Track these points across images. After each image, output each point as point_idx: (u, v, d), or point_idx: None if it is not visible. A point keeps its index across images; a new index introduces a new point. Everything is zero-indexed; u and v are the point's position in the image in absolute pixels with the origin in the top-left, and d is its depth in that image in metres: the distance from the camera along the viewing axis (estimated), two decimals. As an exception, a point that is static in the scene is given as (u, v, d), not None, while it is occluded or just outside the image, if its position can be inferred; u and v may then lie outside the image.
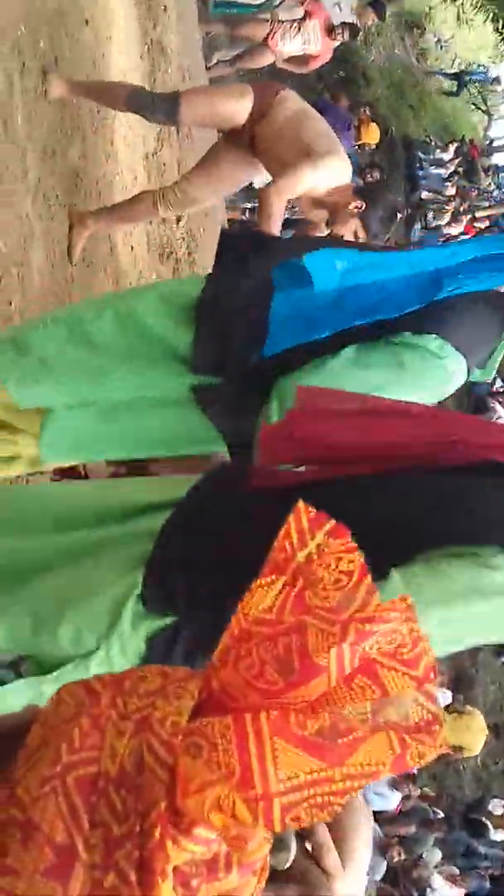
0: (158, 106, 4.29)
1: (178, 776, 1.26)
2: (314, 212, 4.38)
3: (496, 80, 22.36)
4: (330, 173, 4.13)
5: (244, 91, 4.37)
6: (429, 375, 2.04)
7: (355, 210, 4.17)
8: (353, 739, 1.28)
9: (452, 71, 19.74)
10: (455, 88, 19.30)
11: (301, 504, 1.52)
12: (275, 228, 4.09)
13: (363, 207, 4.17)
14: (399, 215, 4.45)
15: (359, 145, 12.05)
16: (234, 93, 4.42)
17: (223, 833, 1.23)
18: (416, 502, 1.69)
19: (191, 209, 4.91)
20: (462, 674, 14.65)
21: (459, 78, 19.46)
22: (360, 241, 4.20)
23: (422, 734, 1.33)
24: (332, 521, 1.48)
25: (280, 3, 8.45)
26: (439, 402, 2.16)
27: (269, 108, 4.27)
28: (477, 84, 22.01)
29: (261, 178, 5.05)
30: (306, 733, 1.29)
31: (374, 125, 12.40)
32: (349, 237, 4.24)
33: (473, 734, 11.94)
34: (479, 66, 23.78)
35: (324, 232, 4.38)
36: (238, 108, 4.30)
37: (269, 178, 4.40)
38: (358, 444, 1.78)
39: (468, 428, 1.81)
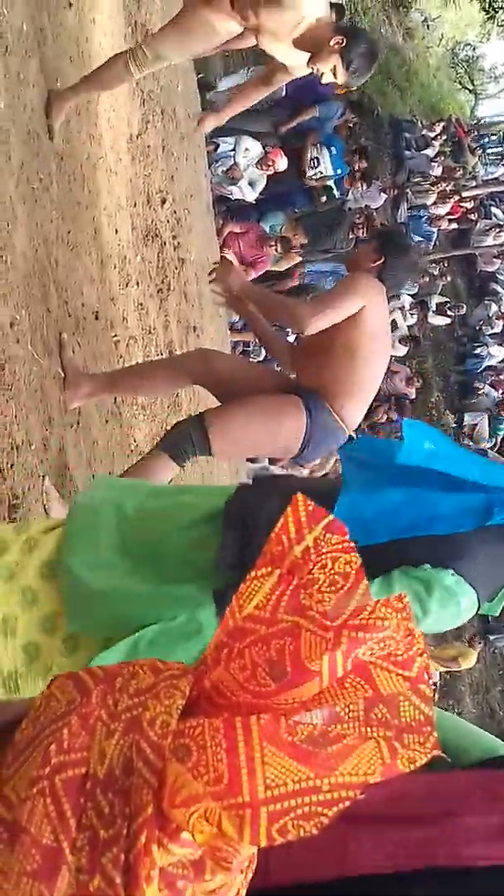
0: None
1: (165, 784, 1.27)
2: (292, 52, 4.33)
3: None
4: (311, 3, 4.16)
5: None
6: (445, 614, 2.14)
7: (336, 46, 4.18)
8: (343, 747, 1.28)
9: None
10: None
11: (300, 496, 1.52)
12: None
13: (343, 43, 4.18)
14: (378, 59, 4.44)
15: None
16: None
17: (207, 851, 1.23)
18: None
19: (161, 66, 4.84)
20: (451, 689, 14.71)
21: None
22: (340, 80, 4.29)
23: (413, 736, 1.32)
24: (331, 516, 1.47)
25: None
26: None
27: None
28: (464, 65, 21.96)
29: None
30: (296, 740, 1.28)
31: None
32: (329, 74, 4.29)
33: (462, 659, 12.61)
34: (466, 44, 23.74)
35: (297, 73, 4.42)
36: None
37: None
38: None
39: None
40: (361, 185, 12.10)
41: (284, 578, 1.41)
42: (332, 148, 10.96)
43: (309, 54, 4.25)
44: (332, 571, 1.39)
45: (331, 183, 11.18)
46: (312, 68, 4.29)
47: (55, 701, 1.43)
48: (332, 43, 4.17)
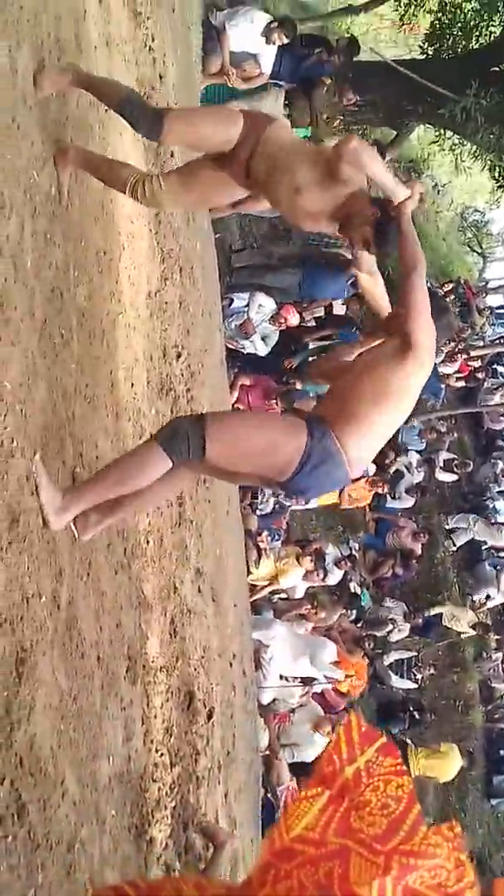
0: (145, 117, 4.31)
1: None
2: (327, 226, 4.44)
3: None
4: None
5: (234, 117, 4.42)
6: None
7: (371, 215, 4.23)
8: None
9: None
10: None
11: (353, 716, 1.51)
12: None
13: (378, 214, 4.22)
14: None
15: None
16: (223, 118, 4.46)
17: None
18: None
19: (154, 209, 4.96)
20: (448, 816, 14.30)
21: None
22: (371, 250, 4.34)
23: None
24: (384, 739, 1.47)
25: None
26: None
27: (260, 140, 4.33)
28: (473, 229, 22.57)
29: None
30: None
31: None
32: (359, 246, 4.34)
33: (446, 765, 12.23)
34: (475, 209, 24.45)
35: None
36: (226, 134, 4.34)
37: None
38: None
39: None
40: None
41: (334, 799, 1.40)
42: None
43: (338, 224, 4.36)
44: (385, 794, 1.38)
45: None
46: (340, 237, 4.41)
47: None
48: (367, 213, 4.23)
